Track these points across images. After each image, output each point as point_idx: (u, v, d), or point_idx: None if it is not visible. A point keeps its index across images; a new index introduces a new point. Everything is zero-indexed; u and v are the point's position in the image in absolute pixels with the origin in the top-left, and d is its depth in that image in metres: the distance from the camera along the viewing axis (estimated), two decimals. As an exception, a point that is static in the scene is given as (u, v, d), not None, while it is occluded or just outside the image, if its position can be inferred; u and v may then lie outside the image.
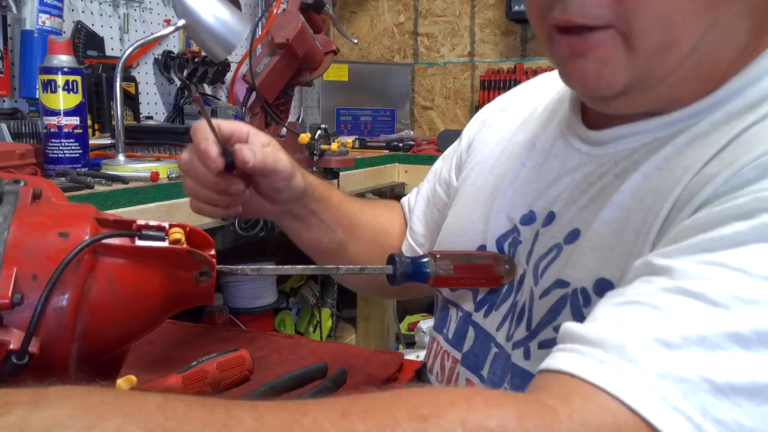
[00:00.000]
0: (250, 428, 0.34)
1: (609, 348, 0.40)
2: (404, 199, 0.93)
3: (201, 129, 0.64)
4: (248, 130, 0.67)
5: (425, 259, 0.63)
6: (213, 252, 0.51)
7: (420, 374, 0.82)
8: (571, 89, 0.63)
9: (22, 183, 0.49)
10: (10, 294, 0.41)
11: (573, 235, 0.58)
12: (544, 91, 0.76)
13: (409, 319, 2.51)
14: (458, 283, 0.65)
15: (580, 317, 0.54)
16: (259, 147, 0.66)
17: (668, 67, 0.51)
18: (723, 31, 0.50)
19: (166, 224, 0.49)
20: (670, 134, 0.54)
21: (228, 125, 0.66)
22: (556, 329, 0.55)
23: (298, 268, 0.59)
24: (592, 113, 0.63)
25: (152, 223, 0.48)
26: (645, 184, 0.53)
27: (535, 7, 0.56)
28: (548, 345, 0.56)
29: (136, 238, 0.48)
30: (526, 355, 0.59)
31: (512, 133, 0.73)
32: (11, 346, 0.42)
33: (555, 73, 0.79)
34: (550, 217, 0.61)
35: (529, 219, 0.64)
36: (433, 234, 0.83)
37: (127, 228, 0.48)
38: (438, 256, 0.64)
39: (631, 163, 0.55)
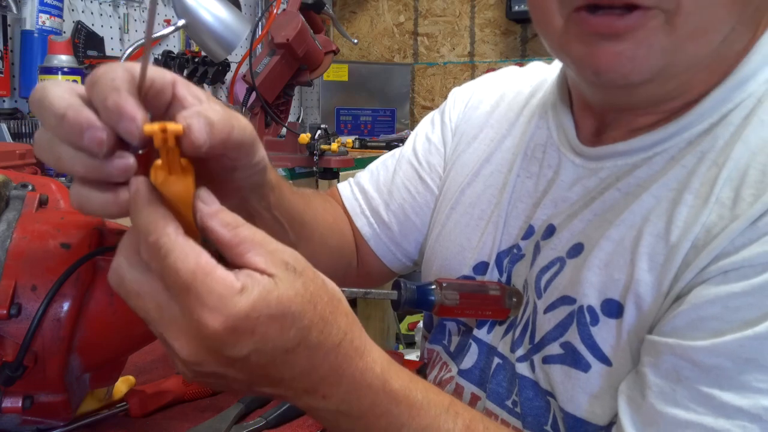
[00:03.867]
0: None
1: None
2: (348, 190, 0.82)
3: (112, 73, 0.36)
4: (173, 78, 0.40)
5: (431, 287, 0.62)
6: None
7: (420, 374, 0.82)
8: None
9: (30, 188, 0.49)
10: (8, 305, 0.41)
11: (576, 250, 0.57)
12: (517, 88, 0.74)
13: (409, 319, 2.51)
14: (463, 313, 0.63)
15: (587, 336, 0.54)
16: (212, 113, 0.38)
17: (700, 53, 0.50)
18: (740, 28, 0.50)
19: None
20: (671, 148, 0.54)
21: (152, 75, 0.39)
22: (563, 346, 0.55)
23: None
24: (584, 125, 0.62)
25: None
26: (657, 207, 0.52)
27: None
28: (552, 360, 0.56)
29: None
30: (531, 368, 0.59)
31: (500, 137, 0.72)
32: (6, 358, 0.42)
33: (524, 69, 0.78)
34: (550, 230, 0.61)
35: (528, 233, 0.63)
36: (410, 230, 0.79)
37: None
38: (444, 284, 0.62)
39: (636, 181, 0.55)
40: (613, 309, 0.53)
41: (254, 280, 0.36)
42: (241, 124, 0.42)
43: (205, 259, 0.35)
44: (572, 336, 0.55)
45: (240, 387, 0.41)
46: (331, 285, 0.42)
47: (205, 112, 0.37)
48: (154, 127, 0.34)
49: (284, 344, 0.38)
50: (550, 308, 0.58)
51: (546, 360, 0.57)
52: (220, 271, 0.36)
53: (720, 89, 0.52)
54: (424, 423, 0.45)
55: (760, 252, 0.44)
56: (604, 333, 0.53)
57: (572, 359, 0.55)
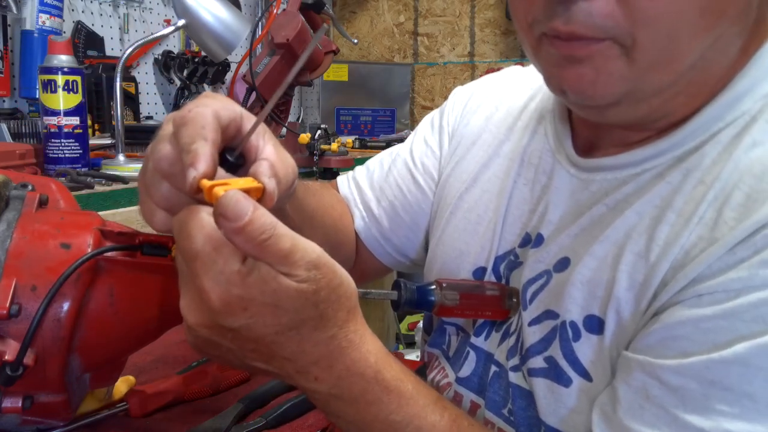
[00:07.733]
0: None
1: None
2: (344, 184, 0.84)
3: (200, 118, 0.42)
4: (240, 113, 0.45)
5: (431, 287, 0.62)
6: None
7: (420, 375, 0.82)
8: (559, 97, 0.59)
9: (30, 188, 0.49)
10: (8, 305, 0.41)
11: (563, 264, 0.57)
12: (516, 91, 0.74)
13: (409, 319, 2.51)
14: (463, 314, 0.63)
15: (569, 351, 0.54)
16: (281, 168, 0.45)
17: (665, 81, 0.50)
18: (720, 49, 0.50)
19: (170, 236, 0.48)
20: (659, 165, 0.54)
21: (230, 116, 0.44)
22: (547, 360, 0.56)
23: None
24: (580, 134, 0.62)
25: (155, 234, 0.48)
26: (639, 224, 0.52)
27: (523, 14, 0.52)
28: (536, 374, 0.57)
29: (138, 252, 0.48)
30: (524, 378, 0.59)
31: (498, 142, 0.71)
32: (6, 357, 0.42)
33: (526, 70, 0.77)
34: (539, 240, 0.61)
35: (525, 241, 0.63)
36: (399, 226, 0.79)
37: (129, 242, 0.48)
38: (444, 285, 0.62)
39: (623, 197, 0.55)
40: (595, 325, 0.53)
41: (263, 269, 0.40)
42: (293, 168, 0.48)
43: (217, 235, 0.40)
44: (555, 351, 0.55)
45: (234, 358, 0.44)
46: (346, 287, 0.45)
47: (276, 171, 0.43)
48: (206, 185, 0.39)
49: (275, 327, 0.42)
50: (535, 321, 0.58)
51: (530, 373, 0.57)
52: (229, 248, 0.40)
53: (712, 106, 0.52)
54: (412, 412, 0.48)
55: (735, 278, 0.44)
56: (586, 349, 0.53)
57: (555, 374, 0.55)
